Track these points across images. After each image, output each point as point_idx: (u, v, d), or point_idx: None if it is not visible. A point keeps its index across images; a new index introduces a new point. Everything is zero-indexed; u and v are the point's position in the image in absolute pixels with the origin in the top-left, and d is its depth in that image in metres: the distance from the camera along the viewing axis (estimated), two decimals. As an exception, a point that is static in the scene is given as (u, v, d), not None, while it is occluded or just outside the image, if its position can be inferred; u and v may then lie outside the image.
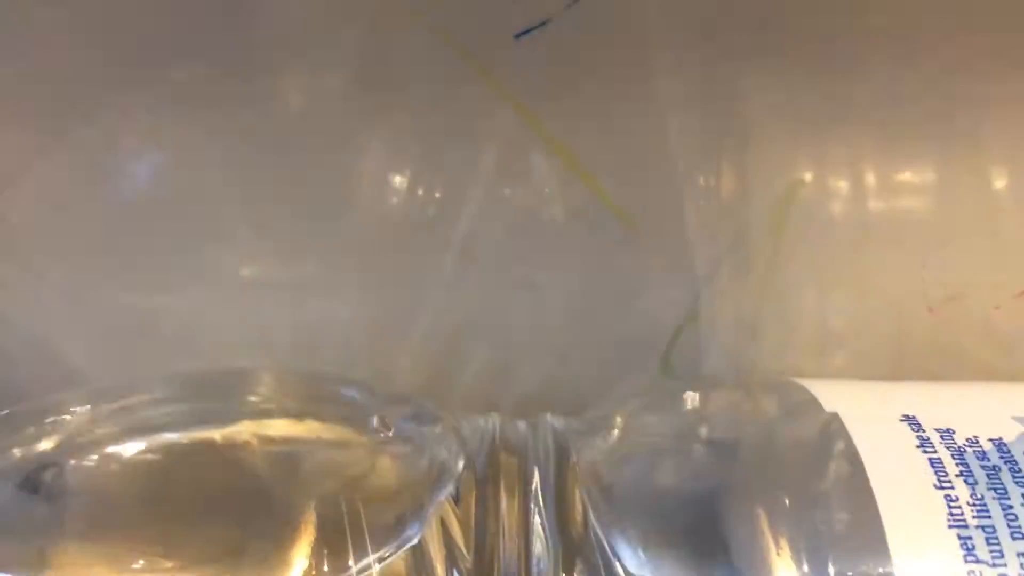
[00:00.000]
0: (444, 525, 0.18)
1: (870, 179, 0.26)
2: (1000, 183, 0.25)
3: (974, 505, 0.16)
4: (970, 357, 0.26)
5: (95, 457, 0.19)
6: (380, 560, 0.17)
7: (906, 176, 0.26)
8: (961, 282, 0.26)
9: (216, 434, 0.19)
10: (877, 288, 0.26)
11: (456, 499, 0.19)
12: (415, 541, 0.18)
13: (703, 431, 0.20)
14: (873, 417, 0.18)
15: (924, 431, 0.17)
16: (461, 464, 0.19)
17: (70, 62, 0.25)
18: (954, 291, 0.26)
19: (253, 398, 0.20)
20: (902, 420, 0.17)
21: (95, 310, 0.26)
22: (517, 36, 0.25)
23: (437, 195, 0.26)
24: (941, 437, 0.17)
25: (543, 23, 0.25)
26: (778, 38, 0.25)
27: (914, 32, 0.25)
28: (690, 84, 0.25)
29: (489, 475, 0.20)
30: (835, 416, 0.18)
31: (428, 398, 0.22)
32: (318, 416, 0.20)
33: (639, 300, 0.27)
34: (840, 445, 0.17)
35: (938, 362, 0.26)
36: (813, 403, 0.19)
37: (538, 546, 0.18)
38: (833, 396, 0.19)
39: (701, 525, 0.18)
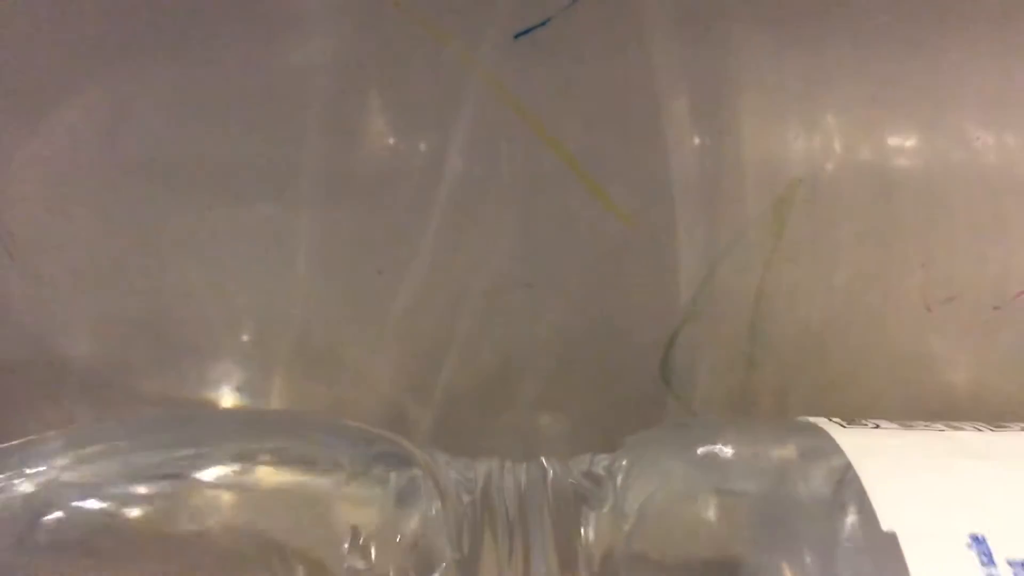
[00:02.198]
0: None
1: (869, 179, 0.26)
2: (1000, 184, 0.25)
3: None
4: (969, 358, 0.26)
5: (73, 505, 0.18)
6: None
7: (905, 176, 0.26)
8: (960, 282, 0.26)
9: (191, 481, 0.19)
10: (876, 288, 0.26)
11: None
12: None
13: (718, 490, 0.18)
14: (936, 536, 0.15)
15: (995, 566, 0.15)
16: (443, 537, 0.18)
17: (70, 63, 0.25)
18: (953, 291, 0.26)
19: (227, 448, 0.20)
20: (969, 545, 0.15)
21: (95, 309, 0.26)
22: (517, 36, 0.25)
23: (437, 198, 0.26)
24: (1015, 573, 0.15)
25: (543, 23, 0.24)
26: (778, 38, 0.25)
27: (915, 26, 0.25)
28: (690, 84, 0.25)
29: (482, 554, 0.18)
30: (892, 537, 0.15)
31: (401, 437, 0.21)
32: (293, 465, 0.19)
33: (638, 299, 0.26)
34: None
35: (937, 363, 0.26)
36: (865, 504, 0.16)
37: None
38: (889, 496, 0.16)
39: None
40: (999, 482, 0.17)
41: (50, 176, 0.26)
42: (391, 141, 0.26)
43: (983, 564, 0.15)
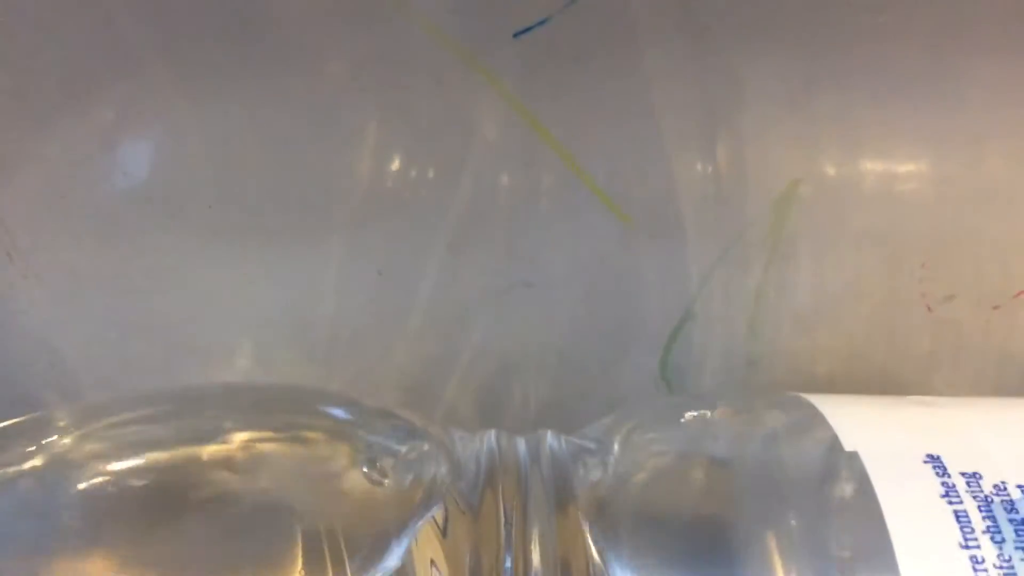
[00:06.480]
0: (431, 554, 0.18)
1: (869, 178, 0.26)
2: (999, 183, 0.25)
3: (1001, 567, 0.15)
4: (969, 357, 0.26)
5: (85, 475, 0.18)
6: None
7: (905, 175, 0.26)
8: (960, 282, 0.26)
9: (202, 453, 0.19)
10: (876, 287, 0.26)
11: (444, 529, 0.18)
12: (398, 564, 0.17)
13: (708, 457, 0.19)
14: (895, 456, 0.17)
15: (949, 476, 0.16)
16: (448, 485, 0.19)
17: (70, 62, 0.25)
18: (953, 290, 0.26)
19: (239, 417, 0.20)
20: (926, 461, 0.17)
21: (95, 310, 0.26)
22: (516, 35, 0.25)
23: (436, 194, 0.26)
24: (967, 484, 0.16)
25: (542, 22, 0.24)
26: (776, 38, 0.25)
27: (913, 31, 0.25)
28: (689, 83, 0.25)
29: (483, 505, 0.19)
30: (855, 456, 0.17)
31: (417, 414, 0.21)
32: (302, 436, 0.20)
33: (638, 298, 0.27)
34: (859, 491, 0.16)
35: (937, 362, 0.26)
36: (830, 436, 0.18)
37: None
38: (851, 426, 0.18)
39: (705, 557, 0.17)
40: (946, 419, 0.18)
41: (52, 179, 0.26)
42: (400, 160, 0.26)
43: (938, 475, 0.16)
